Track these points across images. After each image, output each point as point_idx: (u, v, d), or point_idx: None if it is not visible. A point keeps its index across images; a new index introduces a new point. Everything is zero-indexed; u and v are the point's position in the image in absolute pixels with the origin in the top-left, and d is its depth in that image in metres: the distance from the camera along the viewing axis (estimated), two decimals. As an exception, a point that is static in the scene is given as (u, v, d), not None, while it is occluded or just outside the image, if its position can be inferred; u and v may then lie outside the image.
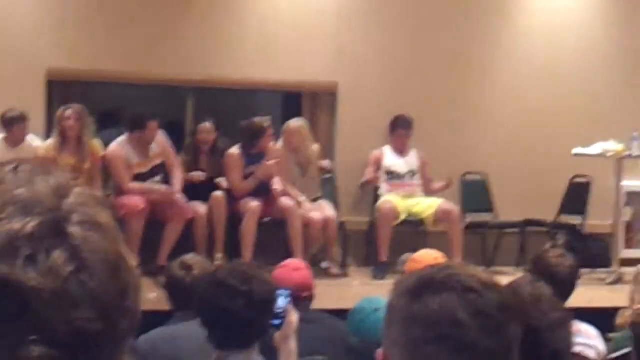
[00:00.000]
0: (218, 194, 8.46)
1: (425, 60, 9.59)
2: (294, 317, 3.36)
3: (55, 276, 0.95)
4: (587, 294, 6.96)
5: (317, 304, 4.72)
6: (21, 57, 8.73)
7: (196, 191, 8.50)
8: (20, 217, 0.97)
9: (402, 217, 8.84)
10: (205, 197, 8.47)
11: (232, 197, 8.51)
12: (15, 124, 8.12)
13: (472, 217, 9.39)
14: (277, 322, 3.32)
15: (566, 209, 9.53)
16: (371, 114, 9.39)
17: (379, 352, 1.56)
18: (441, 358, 1.49)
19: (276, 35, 9.35)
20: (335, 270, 8.70)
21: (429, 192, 9.16)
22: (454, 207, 8.95)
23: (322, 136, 9.45)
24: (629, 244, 9.73)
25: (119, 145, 8.38)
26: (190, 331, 3.88)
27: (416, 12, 9.59)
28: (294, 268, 4.67)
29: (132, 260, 1.05)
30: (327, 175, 9.25)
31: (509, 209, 9.52)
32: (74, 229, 0.98)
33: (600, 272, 8.93)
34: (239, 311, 3.21)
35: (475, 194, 9.60)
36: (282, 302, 3.32)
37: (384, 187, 9.08)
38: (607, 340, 4.54)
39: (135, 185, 8.30)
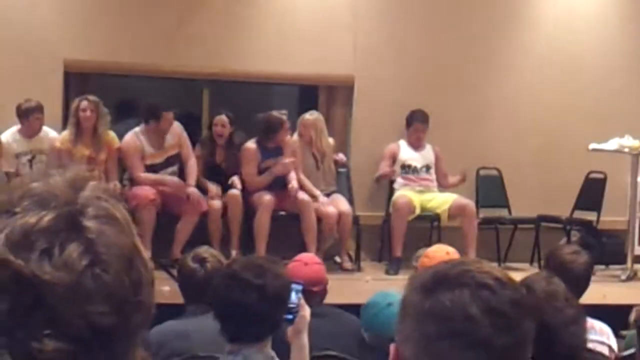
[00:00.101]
0: (234, 192, 8.44)
1: (442, 54, 9.56)
2: (306, 312, 3.36)
3: (70, 270, 0.96)
4: (602, 290, 6.94)
5: (330, 298, 4.72)
6: (38, 48, 8.75)
7: (213, 181, 8.51)
8: (36, 210, 0.98)
9: (417, 211, 8.83)
10: (222, 188, 8.47)
11: (246, 190, 8.52)
12: (31, 115, 8.14)
13: (486, 212, 9.37)
14: (289, 316, 3.32)
15: (581, 205, 9.49)
16: (387, 107, 9.38)
17: (392, 346, 1.56)
18: (454, 354, 1.49)
19: (293, 28, 9.34)
20: (348, 264, 8.70)
21: (443, 186, 9.16)
22: (469, 203, 8.94)
23: (338, 130, 9.45)
24: (644, 241, 9.69)
25: (134, 135, 8.40)
26: (203, 326, 3.88)
27: (433, 7, 9.56)
28: (306, 262, 4.67)
29: (146, 254, 1.05)
30: (342, 169, 9.24)
31: (523, 204, 9.49)
32: (89, 223, 0.99)
33: (615, 269, 8.91)
34: (252, 305, 3.20)
35: (490, 189, 9.58)
36: (294, 296, 3.32)
37: (399, 181, 9.07)
38: (620, 337, 4.53)
39: (147, 175, 8.31)
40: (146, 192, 8.09)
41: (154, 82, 9.49)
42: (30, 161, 8.20)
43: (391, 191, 9.11)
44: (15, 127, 8.25)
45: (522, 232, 9.40)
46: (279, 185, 8.51)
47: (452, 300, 1.49)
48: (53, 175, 1.03)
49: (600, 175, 9.48)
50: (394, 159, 9.09)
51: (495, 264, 8.09)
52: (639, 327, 3.80)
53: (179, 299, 4.45)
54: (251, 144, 8.62)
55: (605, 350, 4.18)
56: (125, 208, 1.05)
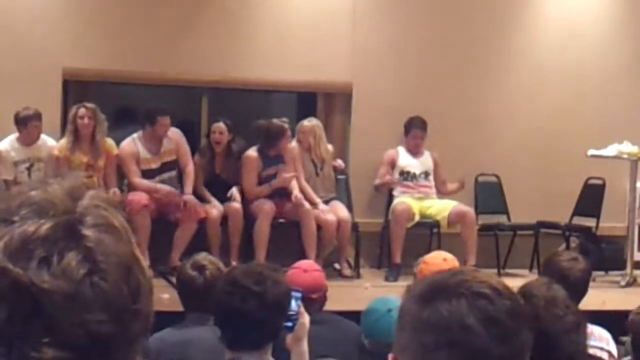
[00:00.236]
0: (235, 204, 8.43)
1: (440, 61, 9.57)
2: (306, 319, 3.36)
3: (68, 278, 0.95)
4: (601, 296, 6.94)
5: (330, 305, 4.72)
6: (37, 56, 8.75)
7: (213, 190, 8.50)
8: (35, 219, 0.98)
9: (417, 218, 8.83)
10: (222, 197, 8.47)
11: (246, 199, 8.51)
12: (29, 123, 8.14)
13: (485, 219, 9.37)
14: (289, 324, 3.31)
15: (580, 211, 9.49)
16: (385, 114, 9.38)
17: (390, 356, 1.56)
18: (451, 364, 1.48)
19: (291, 35, 9.35)
20: (348, 271, 8.70)
21: (442, 193, 9.16)
22: (468, 210, 8.94)
23: (337, 137, 9.45)
24: (643, 247, 9.69)
25: (131, 140, 8.42)
26: (202, 333, 3.87)
27: (431, 13, 9.57)
28: (305, 269, 4.66)
29: (145, 262, 1.05)
30: (341, 176, 9.24)
31: (522, 210, 9.50)
32: (87, 232, 0.99)
33: (614, 275, 8.90)
34: (252, 312, 3.20)
35: (489, 196, 9.58)
36: (294, 304, 3.32)
37: (397, 188, 9.07)
38: (620, 343, 4.52)
39: (141, 181, 8.30)
40: (139, 197, 8.08)
41: (153, 90, 9.48)
42: (29, 169, 8.20)
43: (390, 198, 9.10)
44: (14, 135, 8.24)
45: (521, 238, 9.40)
46: (279, 193, 8.51)
47: (450, 310, 1.48)
48: (51, 183, 1.03)
49: (599, 182, 9.48)
50: (392, 165, 9.10)
51: (494, 271, 8.14)
52: (634, 335, 3.80)
53: (178, 307, 4.44)
54: (252, 152, 8.61)
55: (604, 356, 4.18)
56: (124, 217, 1.05)
